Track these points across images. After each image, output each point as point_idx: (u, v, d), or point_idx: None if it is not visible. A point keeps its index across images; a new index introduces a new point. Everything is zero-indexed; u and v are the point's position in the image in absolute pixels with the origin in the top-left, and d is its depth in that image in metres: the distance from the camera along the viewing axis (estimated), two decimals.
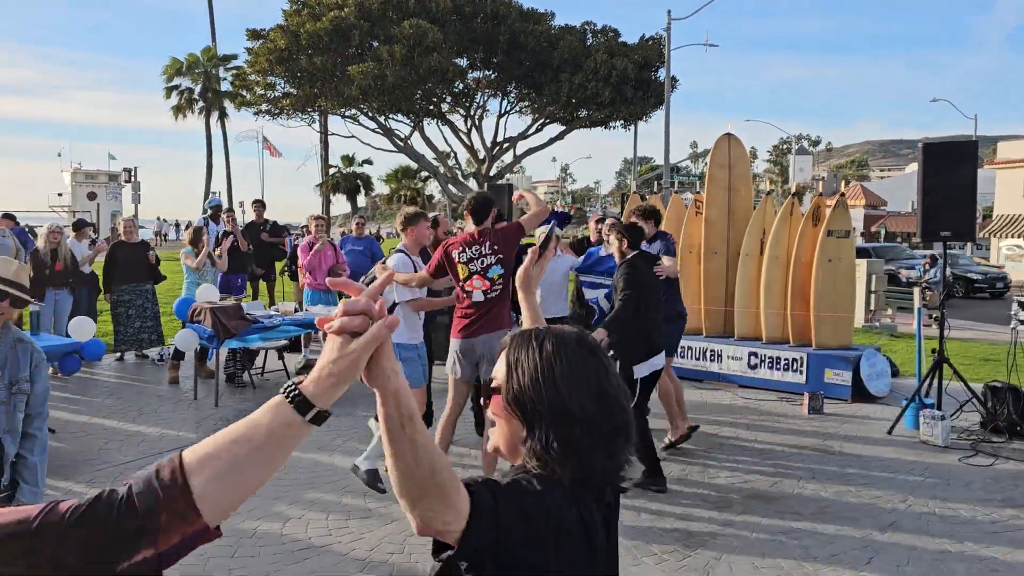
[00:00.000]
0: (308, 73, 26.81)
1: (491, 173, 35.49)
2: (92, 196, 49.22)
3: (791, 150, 69.65)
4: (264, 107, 29.02)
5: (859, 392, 8.22)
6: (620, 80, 29.75)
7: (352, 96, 26.70)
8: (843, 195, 9.05)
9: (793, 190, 10.03)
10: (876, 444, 6.69)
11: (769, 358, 8.68)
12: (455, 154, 35.32)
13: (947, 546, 4.65)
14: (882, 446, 6.63)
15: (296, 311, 8.91)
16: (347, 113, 29.47)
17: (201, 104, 36.63)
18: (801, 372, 8.46)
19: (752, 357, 8.81)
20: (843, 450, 6.51)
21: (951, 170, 6.87)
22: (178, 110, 36.44)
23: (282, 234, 12.50)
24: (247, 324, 7.88)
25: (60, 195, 50.46)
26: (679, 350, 9.31)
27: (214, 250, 9.57)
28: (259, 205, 12.58)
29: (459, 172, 34.88)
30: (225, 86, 33.86)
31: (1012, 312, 6.51)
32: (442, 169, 34.66)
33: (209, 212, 11.92)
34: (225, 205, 40.06)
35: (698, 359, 9.17)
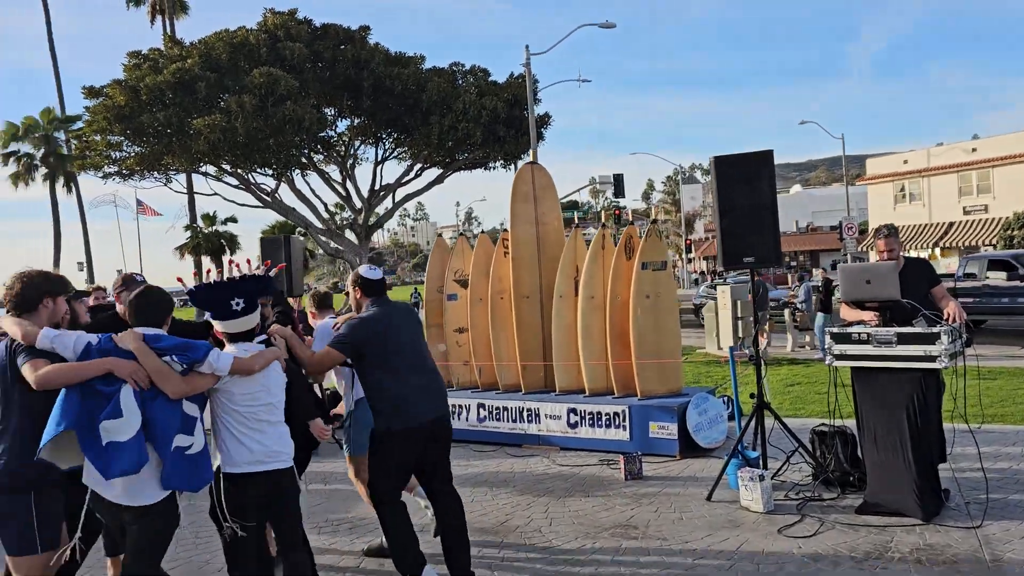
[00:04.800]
0: (152, 130, 25.03)
1: (369, 223, 34.10)
2: None
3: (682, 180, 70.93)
4: (110, 169, 26.98)
5: (689, 444, 7.18)
6: (491, 119, 29.04)
7: (201, 151, 25.02)
8: (655, 222, 8.11)
9: (602, 219, 9.07)
10: (690, 518, 5.57)
11: (590, 414, 7.56)
12: (328, 206, 33.83)
13: None
14: (695, 520, 5.52)
15: None
16: (200, 169, 27.68)
17: (44, 171, 34.07)
18: (624, 428, 7.35)
19: (571, 414, 7.67)
20: (648, 531, 5.35)
21: (748, 186, 5.95)
22: (17, 178, 33.77)
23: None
24: None
25: None
26: (494, 411, 8.19)
27: None
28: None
29: (334, 224, 33.30)
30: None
31: (826, 347, 5.54)
32: (317, 222, 33.06)
33: None
34: (84, 276, 37.38)
35: (515, 420, 7.97)
